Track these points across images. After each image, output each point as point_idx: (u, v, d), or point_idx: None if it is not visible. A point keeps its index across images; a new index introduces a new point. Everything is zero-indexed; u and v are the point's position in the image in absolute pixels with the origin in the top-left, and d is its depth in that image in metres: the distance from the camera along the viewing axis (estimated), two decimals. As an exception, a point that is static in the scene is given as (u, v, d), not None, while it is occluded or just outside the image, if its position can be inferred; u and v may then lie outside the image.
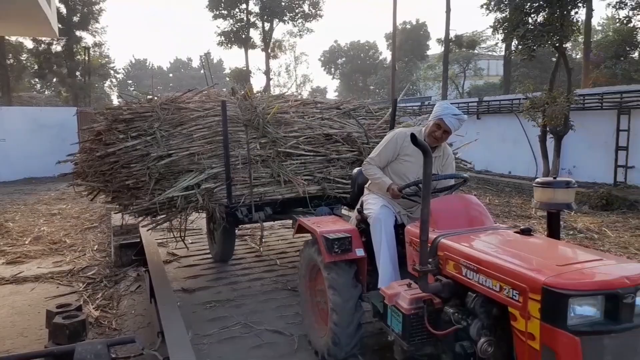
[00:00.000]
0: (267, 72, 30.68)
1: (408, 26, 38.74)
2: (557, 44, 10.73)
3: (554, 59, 24.92)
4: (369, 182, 3.41)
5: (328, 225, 3.27)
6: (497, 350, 2.03)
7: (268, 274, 5.22)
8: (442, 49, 25.47)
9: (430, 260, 2.31)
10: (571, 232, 7.94)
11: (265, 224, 5.71)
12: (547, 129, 10.68)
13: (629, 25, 13.89)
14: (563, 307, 1.66)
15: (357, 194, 3.56)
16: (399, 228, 3.14)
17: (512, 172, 14.39)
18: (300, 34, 33.04)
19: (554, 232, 2.42)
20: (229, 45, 29.93)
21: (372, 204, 3.17)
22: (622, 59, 20.63)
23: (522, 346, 1.82)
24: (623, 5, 10.65)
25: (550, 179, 2.43)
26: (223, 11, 29.51)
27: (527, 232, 2.33)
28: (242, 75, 29.12)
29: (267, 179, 4.48)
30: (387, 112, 5.51)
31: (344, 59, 46.94)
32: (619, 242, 7.38)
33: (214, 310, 4.23)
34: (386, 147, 3.23)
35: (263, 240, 6.38)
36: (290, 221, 5.11)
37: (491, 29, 11.78)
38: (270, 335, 3.72)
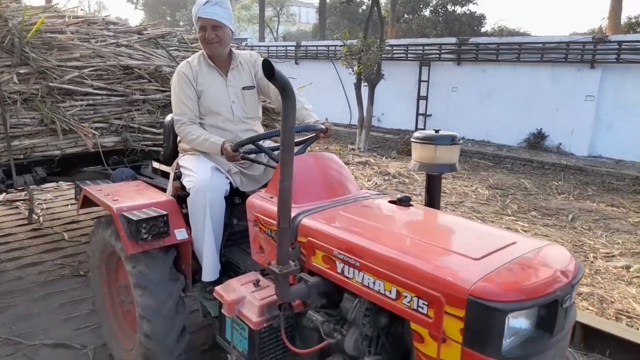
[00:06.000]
0: (47, -8, 24.91)
1: (220, -42, 35.89)
2: (371, -8, 10.84)
3: (361, 10, 26.30)
4: (179, 138, 2.51)
5: (130, 196, 2.27)
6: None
7: (50, 254, 3.85)
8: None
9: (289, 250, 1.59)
10: (386, 178, 8.30)
11: (47, 184, 4.27)
12: (362, 77, 10.91)
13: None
14: (498, 326, 1.14)
15: (174, 148, 2.59)
16: (232, 194, 2.35)
17: (328, 118, 14.53)
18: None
19: (433, 200, 1.95)
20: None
21: (193, 167, 2.27)
22: (417, 14, 22.81)
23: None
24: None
25: (431, 132, 1.91)
26: None
27: (405, 201, 1.78)
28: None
29: (34, 126, 3.11)
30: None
31: (148, -13, 41.49)
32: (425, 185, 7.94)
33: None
34: (183, 91, 2.36)
35: (42, 207, 4.87)
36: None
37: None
38: (51, 352, 2.61)
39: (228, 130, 2.40)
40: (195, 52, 4.33)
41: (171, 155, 2.59)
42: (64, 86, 3.20)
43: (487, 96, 11.34)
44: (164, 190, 2.58)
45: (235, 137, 2.39)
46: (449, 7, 21.88)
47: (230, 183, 2.31)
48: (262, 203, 1.88)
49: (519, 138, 10.80)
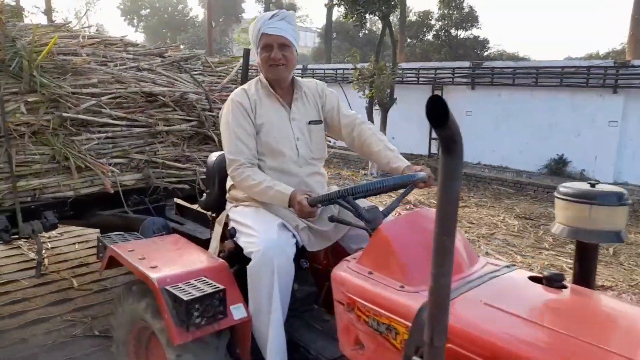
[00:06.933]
0: (49, 12, 24.68)
1: (222, -18, 36.22)
2: (383, 15, 10.59)
3: (362, 34, 26.25)
4: (231, 184, 2.03)
5: (170, 259, 1.79)
6: None
7: (58, 307, 3.30)
8: (261, 11, 24.25)
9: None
10: (407, 207, 7.84)
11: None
12: (375, 100, 10.58)
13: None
14: None
15: (220, 195, 2.11)
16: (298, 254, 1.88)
17: (337, 142, 14.29)
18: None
19: (587, 276, 1.47)
20: (-10, -28, 22.90)
21: (254, 224, 1.80)
22: (420, 39, 22.77)
23: None
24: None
25: (585, 186, 1.45)
26: None
27: (558, 281, 1.31)
28: (13, 14, 22.72)
29: (45, 164, 2.65)
30: (231, 68, 4.05)
31: (148, 10, 41.80)
32: (450, 215, 7.50)
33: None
34: (239, 124, 1.91)
35: (46, 246, 4.35)
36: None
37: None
38: None
39: (292, 173, 1.94)
40: (221, 76, 3.93)
41: (215, 205, 2.12)
42: (80, 116, 2.75)
43: (503, 121, 10.99)
44: (202, 242, 2.11)
45: (299, 181, 1.93)
46: (452, 31, 21.83)
47: (296, 242, 1.84)
48: (360, 282, 1.41)
49: (538, 164, 10.40)
